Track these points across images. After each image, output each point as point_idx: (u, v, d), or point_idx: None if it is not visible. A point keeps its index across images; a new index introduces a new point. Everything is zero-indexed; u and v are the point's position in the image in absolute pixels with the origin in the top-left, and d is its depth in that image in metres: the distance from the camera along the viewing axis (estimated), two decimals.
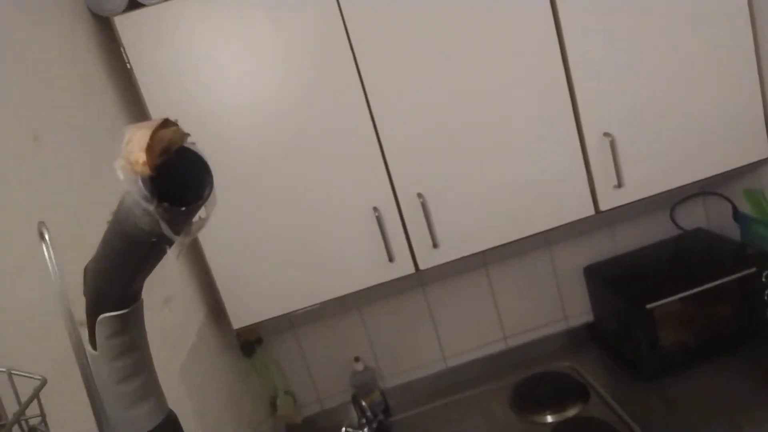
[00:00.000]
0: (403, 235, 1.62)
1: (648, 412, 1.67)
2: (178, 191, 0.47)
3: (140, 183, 0.44)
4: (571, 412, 1.76)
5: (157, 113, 1.48)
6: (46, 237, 0.71)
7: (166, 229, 0.45)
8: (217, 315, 1.70)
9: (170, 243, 0.49)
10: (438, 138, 1.57)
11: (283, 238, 1.58)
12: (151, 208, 0.44)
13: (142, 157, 0.42)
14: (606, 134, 1.58)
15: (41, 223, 0.71)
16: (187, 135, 0.46)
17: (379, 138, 1.55)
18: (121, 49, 1.45)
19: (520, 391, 1.93)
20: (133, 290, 0.61)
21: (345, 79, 1.51)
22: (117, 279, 0.57)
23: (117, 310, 0.61)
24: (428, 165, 1.58)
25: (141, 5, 1.46)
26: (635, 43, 1.56)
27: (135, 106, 1.53)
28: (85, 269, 0.62)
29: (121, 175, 0.44)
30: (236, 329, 1.63)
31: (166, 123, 0.44)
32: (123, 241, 0.50)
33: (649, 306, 1.71)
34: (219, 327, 1.70)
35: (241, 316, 1.62)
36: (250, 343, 1.89)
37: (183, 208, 0.47)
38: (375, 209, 1.58)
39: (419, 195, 1.59)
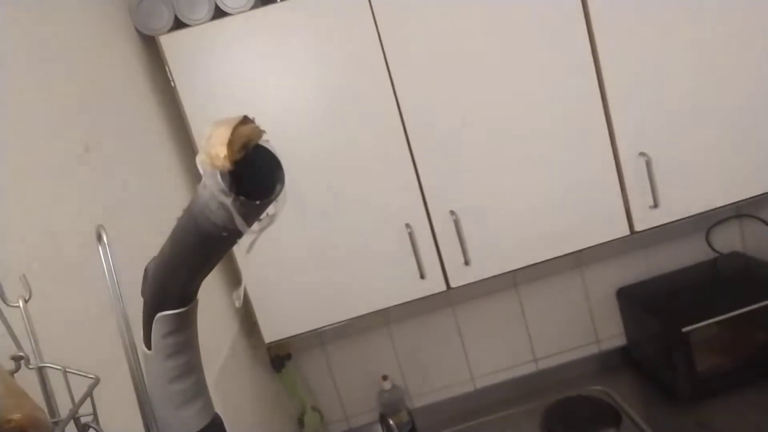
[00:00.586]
0: (435, 253, 1.62)
1: None
2: (252, 187, 0.48)
3: (219, 177, 0.45)
4: None
5: (197, 129, 1.51)
6: (105, 239, 0.73)
7: (240, 222, 0.47)
8: (250, 329, 1.71)
9: (239, 237, 0.51)
10: (471, 155, 1.58)
11: (316, 253, 1.60)
12: (229, 201, 0.46)
13: (223, 151, 0.44)
14: (642, 154, 1.58)
15: (100, 226, 0.74)
16: (264, 132, 0.47)
17: (413, 154, 1.57)
18: (166, 67, 1.49)
19: (550, 414, 1.89)
20: (192, 288, 0.62)
21: (379, 96, 1.54)
22: (180, 276, 0.58)
23: (176, 309, 0.63)
24: (461, 182, 1.59)
25: (185, 25, 1.51)
26: (672, 62, 1.56)
27: (178, 121, 1.57)
28: (146, 268, 0.64)
29: (201, 169, 0.45)
30: (267, 344, 1.64)
31: (245, 120, 0.46)
32: (194, 235, 0.52)
33: (685, 329, 1.69)
34: (251, 341, 1.71)
35: (272, 331, 1.63)
36: (280, 358, 1.90)
37: (257, 203, 0.48)
38: (407, 225, 1.59)
39: (452, 212, 1.59)
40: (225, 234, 0.49)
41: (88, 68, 1.17)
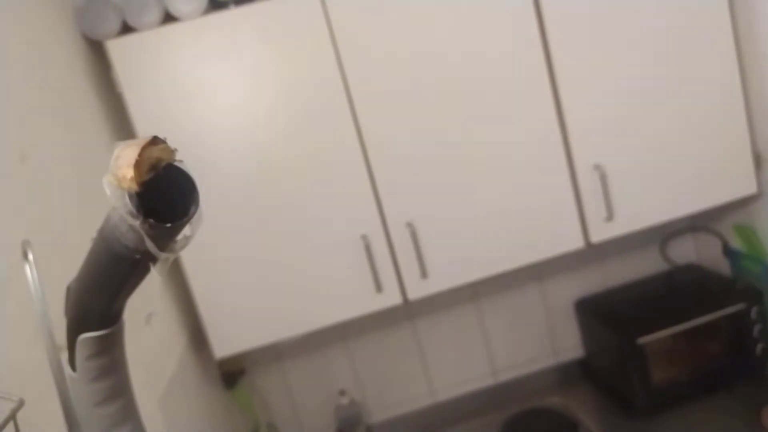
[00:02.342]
0: (391, 265, 1.60)
1: None
2: (165, 209, 0.46)
3: (127, 199, 0.44)
4: None
5: (144, 133, 1.46)
6: (30, 257, 0.69)
7: (150, 245, 0.45)
8: (199, 344, 1.66)
9: (154, 260, 0.48)
10: (428, 167, 1.57)
11: (269, 265, 1.56)
12: (137, 223, 0.44)
13: (130, 173, 0.43)
14: (596, 166, 1.59)
15: (26, 242, 0.69)
16: (175, 152, 0.45)
17: (369, 165, 1.54)
18: (113, 73, 1.44)
19: (509, 427, 1.89)
20: (114, 310, 0.58)
21: (335, 104, 1.51)
22: (99, 297, 0.55)
23: (98, 330, 0.59)
24: (418, 193, 1.58)
25: (133, 30, 1.46)
26: (627, 75, 1.58)
27: (124, 130, 1.51)
28: (68, 288, 0.60)
29: (108, 191, 0.43)
30: (219, 359, 1.59)
31: (155, 140, 0.44)
32: (107, 257, 0.49)
33: (640, 341, 1.70)
34: (200, 356, 1.66)
35: (223, 345, 1.58)
36: (232, 374, 1.84)
37: (168, 225, 0.46)
38: (363, 237, 1.56)
39: (409, 224, 1.58)
40: (138, 256, 0.47)
41: (28, 73, 1.12)
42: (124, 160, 0.42)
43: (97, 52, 1.50)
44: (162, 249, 0.46)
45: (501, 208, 1.61)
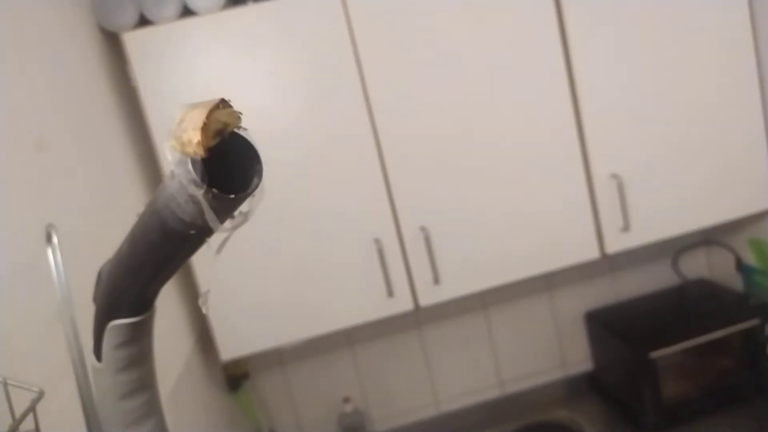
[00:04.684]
0: (404, 269, 1.57)
1: None
2: (225, 180, 0.42)
3: (190, 165, 0.39)
4: None
5: (158, 128, 1.44)
6: (54, 240, 0.66)
7: (211, 218, 0.40)
8: (205, 345, 1.62)
9: (208, 236, 0.44)
10: (444, 172, 1.54)
11: (280, 267, 1.53)
12: (200, 193, 0.40)
13: (196, 137, 0.38)
14: (614, 175, 1.57)
15: (50, 225, 0.67)
16: (241, 118, 0.42)
17: (384, 166, 1.52)
18: (128, 65, 1.41)
19: None
20: (149, 295, 0.55)
21: (352, 105, 1.49)
22: (138, 280, 0.52)
23: (130, 317, 0.55)
24: (433, 198, 1.55)
25: (150, 23, 1.43)
26: (647, 85, 1.57)
27: (138, 121, 1.49)
28: (100, 272, 0.57)
29: (170, 156, 0.39)
30: (224, 361, 1.55)
31: (223, 103, 0.40)
32: (157, 232, 0.45)
33: (652, 355, 1.67)
34: (206, 358, 1.62)
35: (230, 348, 1.54)
36: (236, 377, 1.80)
37: (231, 196, 0.42)
38: (376, 241, 1.54)
39: (422, 228, 1.55)
40: (192, 232, 0.43)
41: (45, 62, 1.10)
42: (190, 123, 0.38)
43: (113, 43, 1.48)
44: (221, 224, 0.42)
45: (517, 215, 1.58)
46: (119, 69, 1.47)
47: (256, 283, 1.52)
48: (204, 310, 0.48)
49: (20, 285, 0.76)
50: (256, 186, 0.44)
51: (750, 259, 1.85)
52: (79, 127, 1.17)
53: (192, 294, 1.58)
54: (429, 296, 1.59)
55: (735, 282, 1.92)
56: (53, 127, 1.05)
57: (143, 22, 1.44)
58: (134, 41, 1.41)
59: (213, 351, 1.55)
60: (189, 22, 1.43)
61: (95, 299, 0.58)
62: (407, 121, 1.51)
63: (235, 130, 0.43)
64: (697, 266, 2.07)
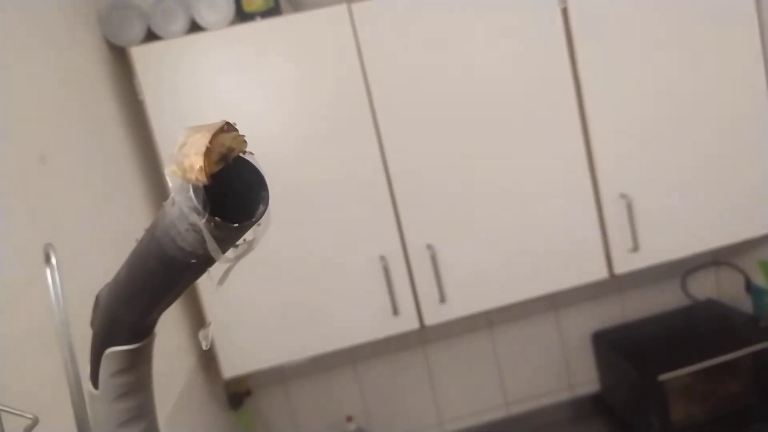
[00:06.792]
0: (409, 288, 1.55)
1: None
2: (228, 207, 0.40)
3: (191, 192, 0.38)
4: None
5: (164, 145, 1.43)
6: (53, 260, 0.64)
7: (213, 247, 0.39)
8: (207, 362, 1.60)
9: (210, 265, 0.43)
10: (451, 189, 1.53)
11: (284, 284, 1.51)
12: (201, 222, 0.38)
13: (198, 162, 0.36)
14: (623, 195, 1.55)
15: (48, 245, 0.65)
16: (246, 142, 0.40)
17: (391, 184, 1.50)
18: (135, 80, 1.41)
19: None
20: (149, 322, 0.54)
21: (359, 124, 1.48)
22: (136, 306, 0.50)
23: (128, 344, 0.54)
24: (440, 216, 1.53)
25: (158, 38, 1.43)
26: (656, 107, 1.55)
27: (144, 137, 1.48)
28: (98, 296, 0.55)
29: (170, 183, 0.37)
30: (226, 379, 1.53)
31: (227, 127, 0.38)
32: (156, 260, 0.43)
33: (661, 378, 1.64)
34: (208, 375, 1.60)
35: (233, 365, 1.52)
36: (238, 394, 1.78)
37: (235, 225, 0.40)
38: (382, 258, 1.52)
39: (429, 246, 1.53)
40: (193, 261, 0.41)
41: (51, 76, 1.09)
42: (192, 147, 0.36)
43: (120, 58, 1.47)
44: (223, 253, 0.40)
45: (525, 234, 1.56)
46: (126, 83, 1.47)
47: (259, 300, 1.50)
48: (204, 345, 0.46)
49: (16, 306, 0.74)
50: (262, 214, 0.42)
51: (759, 280, 1.82)
52: (84, 142, 1.16)
53: (195, 310, 1.56)
54: (435, 315, 1.57)
55: (744, 303, 1.89)
56: (58, 142, 1.04)
57: (150, 36, 1.43)
58: (142, 55, 1.41)
59: (215, 368, 1.53)
60: (197, 37, 1.43)
61: (92, 324, 0.57)
62: (414, 140, 1.50)
63: (241, 154, 0.41)
64: (706, 287, 2.04)
